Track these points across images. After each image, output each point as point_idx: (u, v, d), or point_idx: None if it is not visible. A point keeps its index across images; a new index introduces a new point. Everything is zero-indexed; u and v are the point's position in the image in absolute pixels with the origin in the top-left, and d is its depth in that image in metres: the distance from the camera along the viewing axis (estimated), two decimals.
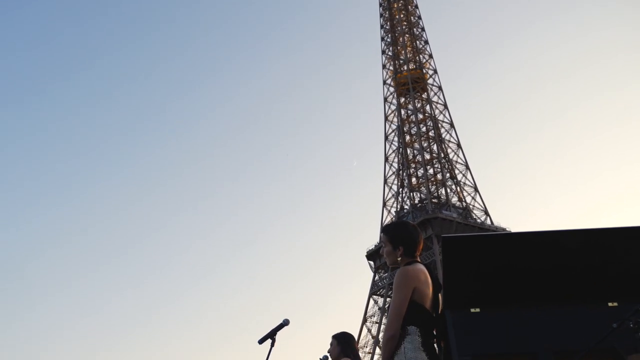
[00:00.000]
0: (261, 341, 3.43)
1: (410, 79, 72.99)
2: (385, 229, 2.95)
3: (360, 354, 4.26)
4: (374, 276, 65.69)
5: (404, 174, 70.10)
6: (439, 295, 2.82)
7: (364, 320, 64.50)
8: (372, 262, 65.88)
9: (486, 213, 68.99)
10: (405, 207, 68.48)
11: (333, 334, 4.27)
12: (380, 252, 2.93)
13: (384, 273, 63.96)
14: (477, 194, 69.37)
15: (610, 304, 2.36)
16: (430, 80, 74.37)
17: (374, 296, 65.45)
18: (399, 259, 2.81)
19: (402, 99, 73.76)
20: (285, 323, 3.49)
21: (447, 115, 73.48)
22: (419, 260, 2.85)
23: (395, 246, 2.83)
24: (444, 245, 2.38)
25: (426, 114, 72.67)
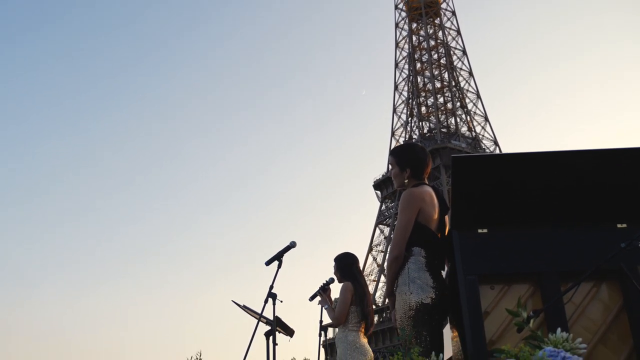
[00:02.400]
0: (268, 263, 3.48)
1: (423, 2, 70.11)
2: (393, 151, 2.90)
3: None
4: (381, 206, 66.55)
5: (414, 102, 69.10)
6: (445, 217, 2.81)
7: (370, 249, 66.14)
8: (378, 192, 66.55)
9: (495, 143, 68.57)
10: (414, 136, 68.09)
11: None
12: (388, 173, 2.90)
13: (390, 203, 64.76)
14: (487, 124, 68.61)
15: (619, 226, 2.33)
16: (443, 5, 71.46)
17: (380, 225, 66.70)
18: (406, 180, 2.79)
19: (414, 25, 71.28)
20: (292, 245, 3.53)
21: (459, 42, 71.20)
22: (426, 182, 2.82)
23: (403, 168, 2.79)
24: (453, 165, 2.33)
25: (438, 41, 70.48)
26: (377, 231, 65.91)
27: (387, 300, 2.76)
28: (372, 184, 66.88)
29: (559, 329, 1.64)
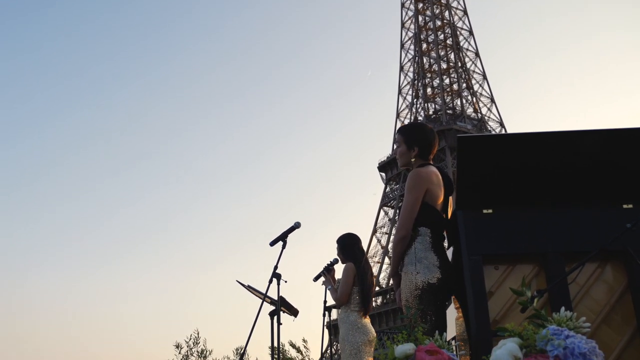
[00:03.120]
0: (272, 243, 3.50)
1: None
2: (402, 129, 2.88)
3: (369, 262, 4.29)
4: (385, 187, 66.56)
5: (419, 83, 68.57)
6: (450, 197, 2.81)
7: (374, 231, 66.30)
8: (383, 174, 66.50)
9: (501, 125, 68.14)
10: (420, 118, 67.72)
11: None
12: (393, 154, 2.88)
13: (395, 185, 64.74)
14: (494, 105, 68.11)
15: (625, 206, 2.32)
16: None
17: (385, 207, 66.77)
18: (412, 160, 2.77)
19: (420, 5, 70.34)
20: (297, 226, 3.53)
21: (466, 22, 70.34)
22: (432, 163, 2.81)
23: (410, 147, 2.78)
24: (459, 145, 2.31)
25: (445, 21, 69.65)
26: (382, 213, 66.05)
27: (391, 281, 2.76)
28: (377, 165, 66.85)
29: (562, 308, 1.64)
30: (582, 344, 1.33)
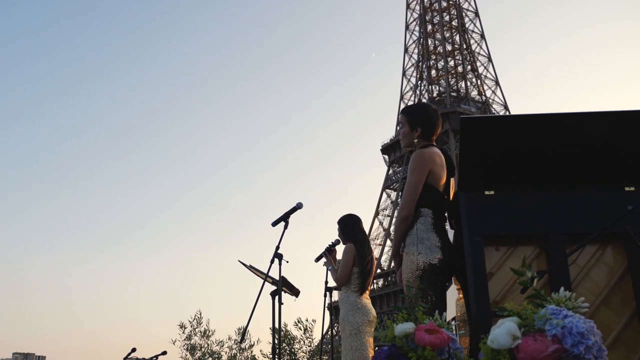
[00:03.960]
0: (274, 223, 3.50)
1: None
2: (405, 110, 2.86)
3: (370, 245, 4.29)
4: (388, 170, 66.49)
5: (424, 65, 68.03)
6: (452, 179, 2.81)
7: (376, 214, 66.39)
8: (386, 156, 66.37)
9: (506, 108, 67.72)
10: (424, 100, 67.35)
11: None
12: (396, 137, 2.87)
13: (397, 167, 64.65)
14: (498, 88, 67.61)
15: (627, 189, 2.31)
16: None
17: (387, 190, 66.76)
18: (415, 140, 2.76)
19: None
20: (299, 206, 3.53)
21: (472, 3, 69.45)
22: (435, 144, 2.80)
23: (413, 127, 2.76)
24: (462, 126, 2.30)
25: (450, 2, 68.77)
26: (384, 195, 66.08)
27: (392, 263, 2.78)
28: (380, 148, 66.70)
29: (562, 288, 1.65)
30: (580, 323, 1.33)
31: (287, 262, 3.47)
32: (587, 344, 1.29)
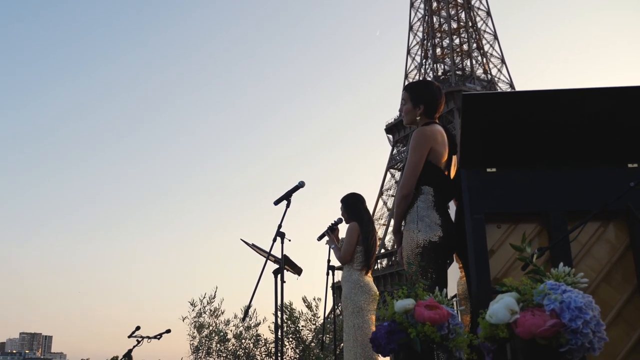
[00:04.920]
0: (277, 202, 3.50)
1: None
2: (408, 87, 2.83)
3: (375, 225, 4.28)
4: (392, 150, 66.30)
5: (429, 44, 67.27)
6: (453, 157, 2.79)
7: (380, 194, 66.36)
8: (390, 136, 66.12)
9: (512, 87, 67.10)
10: (428, 79, 66.61)
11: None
12: (401, 115, 2.84)
13: (402, 147, 64.41)
14: (504, 66, 66.87)
15: (630, 166, 2.30)
16: None
17: (391, 170, 66.63)
18: (417, 117, 2.74)
19: None
20: (301, 185, 3.53)
21: None
22: (437, 121, 2.78)
23: (416, 104, 2.74)
24: (463, 103, 2.28)
25: None
26: (388, 175, 66.01)
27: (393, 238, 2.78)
28: (384, 127, 66.38)
29: (561, 264, 1.65)
30: (579, 298, 1.34)
31: (290, 240, 3.48)
32: (585, 319, 1.29)
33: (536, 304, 1.41)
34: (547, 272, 1.57)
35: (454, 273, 3.03)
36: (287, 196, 3.48)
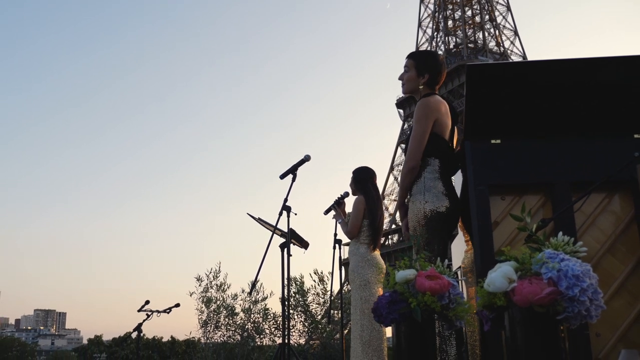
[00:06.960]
0: (283, 176, 3.50)
1: None
2: (413, 54, 2.80)
3: (385, 201, 4.28)
4: (403, 124, 65.87)
5: (440, 16, 66.10)
6: (456, 128, 2.77)
7: (391, 169, 66.18)
8: (401, 111, 65.61)
9: (524, 59, 65.91)
10: (440, 52, 65.76)
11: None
12: (400, 77, 2.79)
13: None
14: (517, 39, 65.63)
15: (636, 136, 2.27)
16: None
17: (402, 145, 66.27)
18: (420, 87, 2.71)
19: None
20: (307, 159, 3.52)
21: None
22: (437, 93, 2.76)
23: (421, 73, 2.71)
24: (468, 74, 2.25)
25: None
26: (399, 150, 65.72)
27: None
28: (395, 102, 65.85)
29: (560, 233, 1.65)
30: (576, 266, 1.34)
31: (296, 214, 3.50)
32: (582, 287, 1.29)
33: (534, 272, 1.41)
34: (546, 242, 1.57)
35: (460, 245, 3.04)
36: (292, 170, 3.48)
